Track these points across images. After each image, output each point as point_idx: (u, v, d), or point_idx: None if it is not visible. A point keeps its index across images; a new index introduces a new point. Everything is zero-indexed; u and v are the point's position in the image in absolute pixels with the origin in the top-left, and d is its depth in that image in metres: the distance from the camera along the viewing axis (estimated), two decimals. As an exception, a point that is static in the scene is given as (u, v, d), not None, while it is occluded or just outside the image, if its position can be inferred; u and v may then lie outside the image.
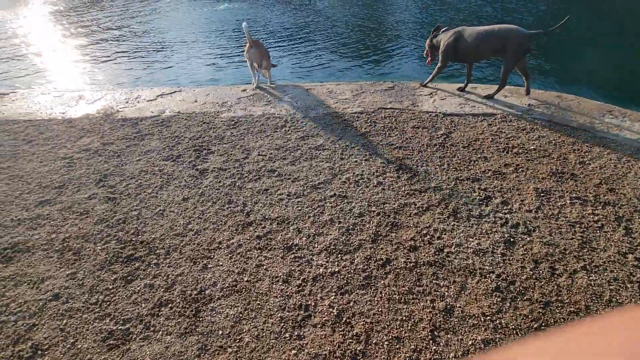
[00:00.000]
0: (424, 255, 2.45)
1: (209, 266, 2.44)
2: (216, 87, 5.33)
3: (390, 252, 2.47)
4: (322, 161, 3.47)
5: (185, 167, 3.49)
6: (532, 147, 3.54)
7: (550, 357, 0.28)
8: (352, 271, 2.35)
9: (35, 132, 4.22)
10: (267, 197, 3.05)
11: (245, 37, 5.43)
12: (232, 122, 4.23)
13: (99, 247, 2.62)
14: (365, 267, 2.38)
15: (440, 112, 4.27)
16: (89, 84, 6.61)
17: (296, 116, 4.32)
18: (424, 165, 3.36)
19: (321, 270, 2.37)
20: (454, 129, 3.92)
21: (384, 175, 3.24)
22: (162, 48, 9.00)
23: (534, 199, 2.90)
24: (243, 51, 5.20)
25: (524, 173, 3.21)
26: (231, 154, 3.65)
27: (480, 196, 2.95)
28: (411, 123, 4.08)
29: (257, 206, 2.94)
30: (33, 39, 9.45)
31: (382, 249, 2.51)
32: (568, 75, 6.55)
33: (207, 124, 4.24)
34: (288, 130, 4.01)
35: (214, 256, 2.51)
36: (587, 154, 3.43)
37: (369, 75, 6.37)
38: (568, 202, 2.86)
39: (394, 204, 2.90)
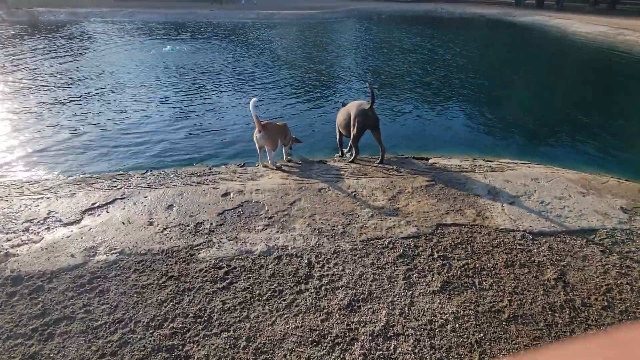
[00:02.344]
0: None
1: None
2: (182, 190, 3.57)
3: None
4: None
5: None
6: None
7: None
8: None
9: None
10: None
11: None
12: (220, 275, 2.52)
13: None
14: None
15: (524, 231, 3.01)
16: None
17: (322, 250, 2.75)
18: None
19: None
20: (563, 267, 2.65)
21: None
22: (100, 99, 6.94)
23: None
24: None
25: None
26: (233, 369, 1.94)
27: None
28: (498, 256, 2.74)
29: None
30: None
31: None
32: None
33: (175, 279, 2.48)
34: (319, 290, 2.42)
35: None
36: None
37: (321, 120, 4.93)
38: None
39: None
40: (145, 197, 3.43)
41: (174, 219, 3.09)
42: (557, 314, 2.29)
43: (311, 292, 2.40)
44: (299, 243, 2.82)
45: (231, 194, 3.46)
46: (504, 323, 2.23)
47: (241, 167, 4.49)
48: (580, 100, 8.69)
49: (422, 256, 2.72)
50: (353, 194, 3.49)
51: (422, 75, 9.77)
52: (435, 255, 2.73)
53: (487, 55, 13.50)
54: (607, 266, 2.67)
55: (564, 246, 2.86)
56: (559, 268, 2.64)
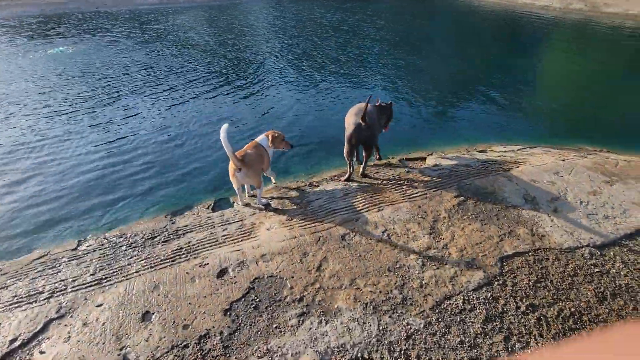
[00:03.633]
0: None
1: None
2: (153, 279, 2.45)
3: None
4: None
5: None
6: None
7: None
8: None
9: None
10: None
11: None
12: None
13: None
14: None
15: (587, 245, 2.65)
16: None
17: (391, 338, 2.02)
18: None
19: None
20: (650, 285, 2.34)
21: None
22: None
23: None
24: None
25: None
26: None
27: None
28: (584, 289, 2.32)
29: None
30: None
31: None
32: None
33: None
34: (421, 410, 1.71)
35: None
36: None
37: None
38: None
39: None
40: (98, 305, 2.27)
41: (160, 338, 2.04)
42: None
43: (412, 420, 1.68)
44: (357, 334, 2.05)
45: (229, 271, 2.48)
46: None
47: (213, 210, 3.44)
48: (502, 63, 9.03)
49: (510, 313, 2.17)
50: (385, 234, 2.77)
51: (357, 54, 9.21)
52: (523, 308, 2.20)
53: (413, 29, 13.48)
54: (684, 273, 2.43)
55: (634, 256, 2.57)
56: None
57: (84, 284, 2.47)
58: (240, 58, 8.86)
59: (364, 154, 3.56)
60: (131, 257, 2.73)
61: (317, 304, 2.23)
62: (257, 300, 2.26)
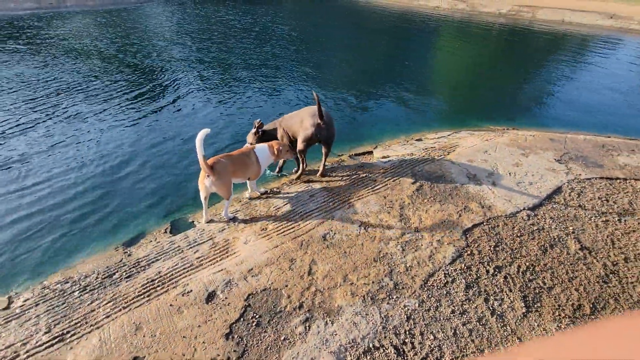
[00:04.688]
0: None
1: None
2: (132, 319, 2.17)
3: None
4: None
5: None
6: None
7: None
8: None
9: None
10: None
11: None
12: None
13: None
14: None
15: (524, 209, 3.16)
16: None
17: (394, 323, 2.15)
18: None
19: None
20: (573, 234, 2.91)
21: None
22: None
23: None
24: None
25: None
26: None
27: None
28: (530, 245, 2.77)
29: None
30: None
31: None
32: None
33: None
34: (438, 380, 1.87)
35: None
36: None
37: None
38: None
39: None
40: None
41: (161, 382, 1.84)
42: (609, 285, 2.47)
43: (432, 391, 1.83)
44: (363, 327, 2.13)
45: (218, 293, 2.33)
46: (587, 318, 2.25)
47: (171, 233, 3.18)
48: (404, 56, 10.09)
49: (483, 277, 2.49)
50: (362, 228, 2.91)
51: (273, 55, 9.32)
52: (491, 270, 2.54)
53: (321, 29, 14.06)
54: (593, 220, 3.07)
55: (556, 212, 3.15)
56: (573, 237, 2.87)
57: (40, 345, 2.08)
58: (148, 66, 8.17)
59: (323, 152, 3.65)
60: (91, 302, 2.38)
61: (318, 307, 2.25)
62: (257, 316, 2.19)
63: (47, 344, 2.08)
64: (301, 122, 3.53)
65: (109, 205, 3.64)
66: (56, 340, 2.11)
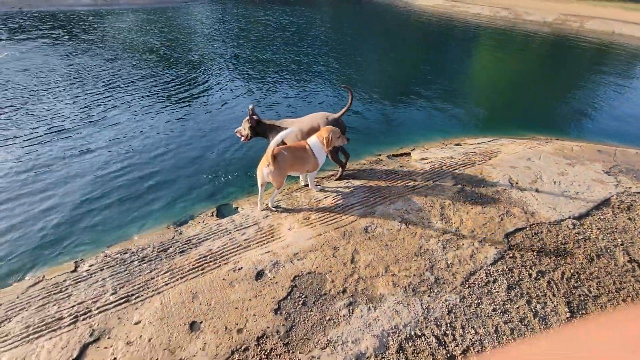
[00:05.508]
0: None
1: None
2: (189, 288, 2.36)
3: None
4: None
5: None
6: None
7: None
8: None
9: None
10: None
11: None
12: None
13: None
14: None
15: (569, 218, 3.11)
16: None
17: (436, 315, 2.21)
18: None
19: None
20: (622, 246, 2.84)
21: None
22: None
23: None
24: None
25: None
26: None
27: None
28: (576, 254, 2.73)
29: None
30: None
31: None
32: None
33: None
34: (479, 372, 1.92)
35: None
36: None
37: None
38: None
39: None
40: (136, 323, 2.15)
41: (217, 345, 2.01)
42: (661, 299, 2.40)
43: (473, 382, 1.88)
44: (405, 315, 2.21)
45: (267, 272, 2.49)
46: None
47: (217, 217, 3.38)
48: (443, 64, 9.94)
49: (525, 280, 2.49)
50: (403, 224, 2.98)
51: (313, 55, 9.48)
52: (534, 274, 2.54)
53: (361, 33, 14.14)
54: (642, 232, 2.98)
55: (604, 224, 3.07)
56: (622, 249, 2.80)
57: (109, 304, 2.31)
58: (195, 62, 8.59)
59: (343, 155, 3.73)
60: (150, 272, 2.60)
61: (361, 293, 2.35)
62: (303, 296, 2.31)
63: (115, 303, 2.31)
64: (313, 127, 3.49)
65: (161, 189, 3.92)
66: (123, 300, 2.33)
